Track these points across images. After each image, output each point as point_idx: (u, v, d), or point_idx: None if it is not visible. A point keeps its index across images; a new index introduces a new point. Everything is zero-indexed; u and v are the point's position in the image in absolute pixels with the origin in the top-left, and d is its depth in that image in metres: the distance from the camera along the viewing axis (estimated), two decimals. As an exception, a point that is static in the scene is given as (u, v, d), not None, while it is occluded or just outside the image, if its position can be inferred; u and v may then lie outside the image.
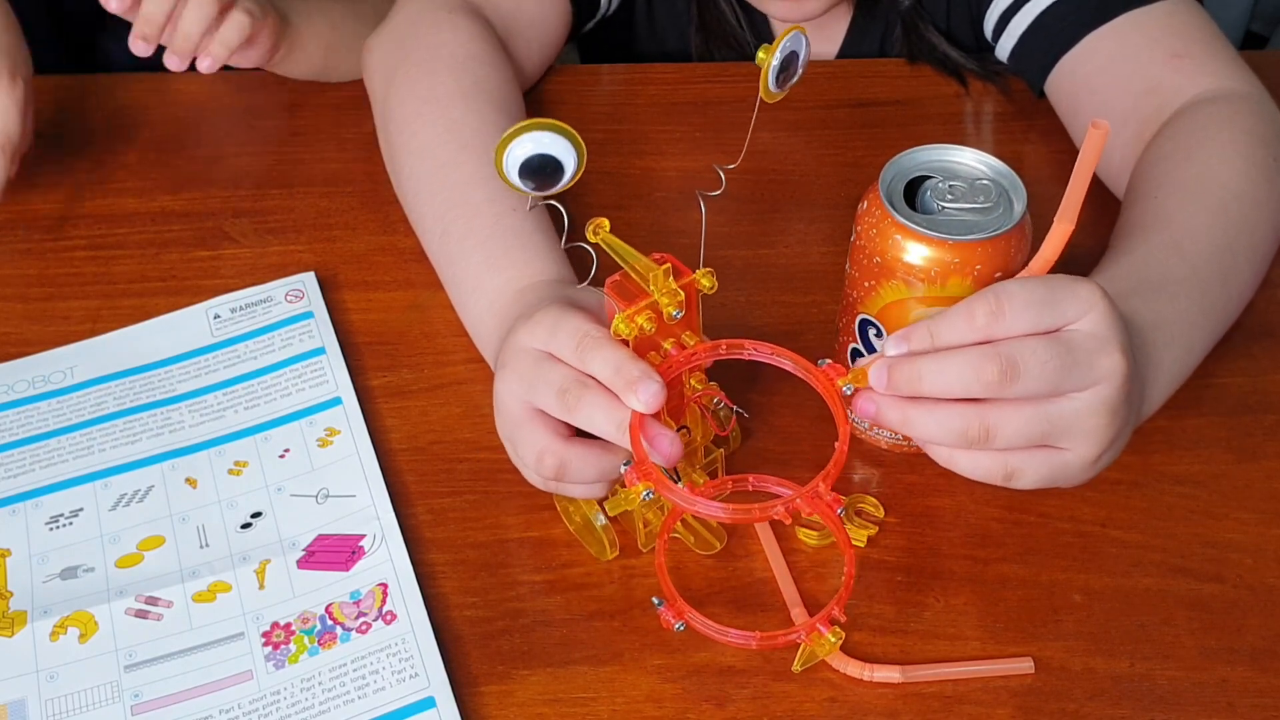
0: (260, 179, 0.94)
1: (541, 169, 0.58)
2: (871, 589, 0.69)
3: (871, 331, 0.70)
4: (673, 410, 0.67)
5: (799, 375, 0.64)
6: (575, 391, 0.64)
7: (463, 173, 0.81)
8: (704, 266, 0.63)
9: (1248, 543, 0.71)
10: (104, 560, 0.70)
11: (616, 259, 0.63)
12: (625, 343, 0.63)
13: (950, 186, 0.67)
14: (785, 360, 0.64)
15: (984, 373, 0.60)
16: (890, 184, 0.68)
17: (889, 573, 0.69)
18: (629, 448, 0.62)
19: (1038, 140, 0.95)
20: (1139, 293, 0.70)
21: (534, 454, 0.66)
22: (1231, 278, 0.75)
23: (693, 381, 0.67)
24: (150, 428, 0.77)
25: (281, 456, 0.75)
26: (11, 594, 0.69)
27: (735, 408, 0.69)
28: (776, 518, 0.61)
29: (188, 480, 0.74)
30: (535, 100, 0.99)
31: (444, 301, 0.83)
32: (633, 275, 0.63)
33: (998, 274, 0.65)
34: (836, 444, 0.61)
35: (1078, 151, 0.93)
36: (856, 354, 0.71)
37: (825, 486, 0.60)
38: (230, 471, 0.74)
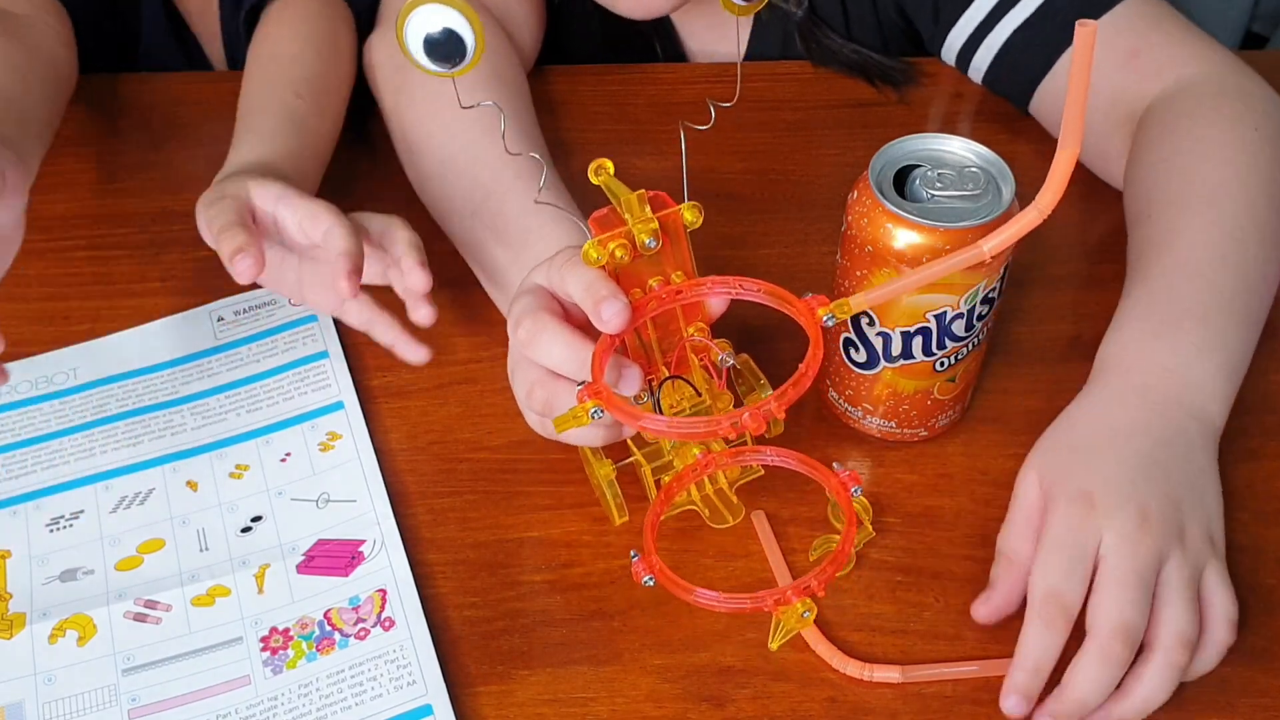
0: (260, 179, 0.94)
1: (443, 45, 0.56)
2: (871, 589, 0.69)
3: (864, 320, 0.70)
4: (670, 360, 0.67)
5: (784, 310, 0.64)
6: (527, 324, 0.65)
7: (491, 154, 0.81)
8: (690, 200, 0.63)
9: (1248, 543, 0.71)
10: (104, 563, 0.70)
11: (611, 199, 0.63)
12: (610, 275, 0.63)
13: (939, 175, 0.68)
14: (770, 298, 0.64)
15: (1113, 660, 0.62)
16: (880, 173, 0.68)
17: (889, 573, 0.69)
18: (585, 377, 0.63)
19: (1035, 140, 0.95)
20: (1159, 334, 0.71)
21: (526, 387, 0.67)
22: (1249, 264, 0.75)
23: (690, 330, 0.66)
24: (152, 430, 0.77)
25: (283, 460, 0.75)
26: (11, 596, 0.69)
27: (727, 357, 0.68)
28: (722, 433, 0.61)
29: (188, 483, 0.74)
30: (537, 100, 0.98)
31: (444, 301, 0.83)
32: (618, 209, 0.62)
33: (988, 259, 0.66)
34: (800, 365, 0.60)
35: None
36: (849, 343, 0.72)
37: (778, 405, 0.60)
38: (231, 475, 0.74)
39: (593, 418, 0.61)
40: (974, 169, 0.68)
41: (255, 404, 0.78)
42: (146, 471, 0.75)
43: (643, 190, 0.62)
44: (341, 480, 0.74)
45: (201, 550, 0.71)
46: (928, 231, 0.65)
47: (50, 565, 0.70)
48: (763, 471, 0.72)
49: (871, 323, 0.70)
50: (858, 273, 0.68)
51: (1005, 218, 0.66)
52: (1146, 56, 0.86)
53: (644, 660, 0.66)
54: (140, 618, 0.68)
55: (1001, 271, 0.68)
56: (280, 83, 0.90)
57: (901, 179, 0.69)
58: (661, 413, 0.66)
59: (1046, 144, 0.94)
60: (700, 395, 0.67)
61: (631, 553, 0.64)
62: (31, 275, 0.87)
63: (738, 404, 0.70)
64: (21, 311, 0.84)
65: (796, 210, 0.91)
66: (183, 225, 0.90)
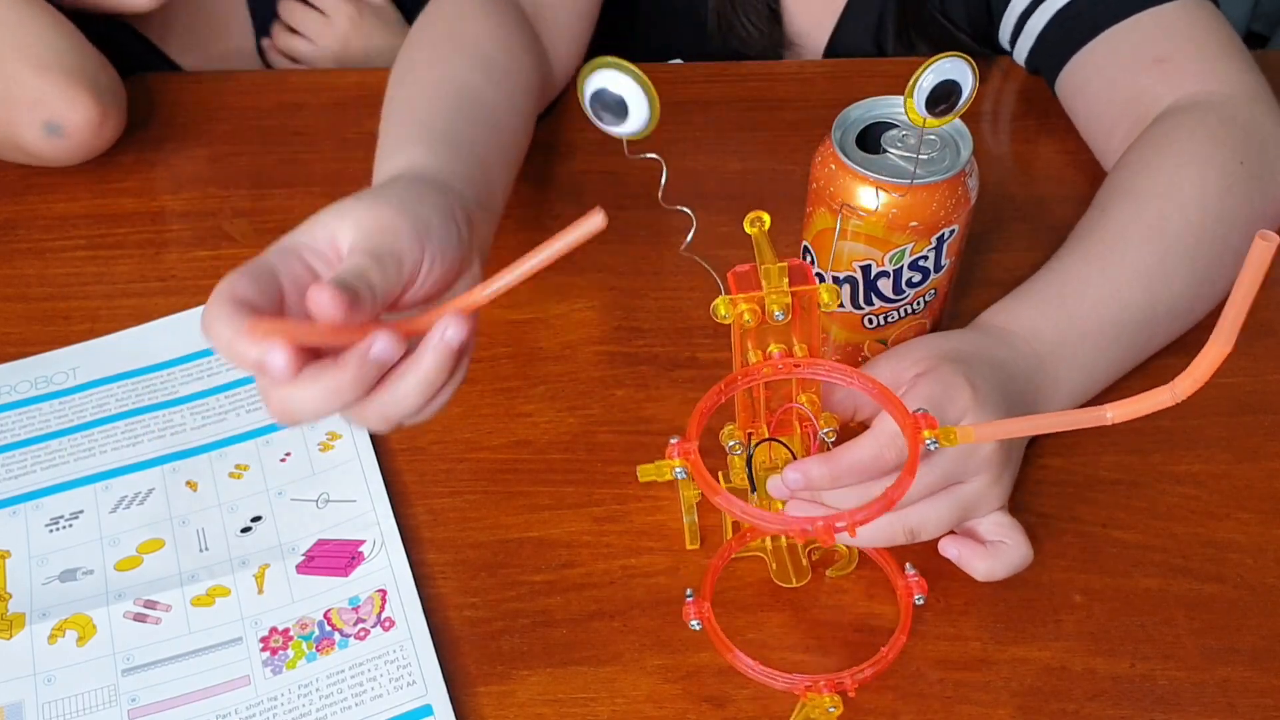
0: (260, 179, 0.94)
1: (611, 107, 0.57)
2: (872, 589, 0.69)
3: (808, 258, 0.73)
4: (773, 421, 0.67)
5: (889, 414, 0.62)
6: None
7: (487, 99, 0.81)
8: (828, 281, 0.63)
9: (1248, 543, 0.71)
10: (103, 563, 0.70)
11: (756, 255, 0.62)
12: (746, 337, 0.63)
13: (902, 136, 0.70)
14: (880, 398, 0.62)
15: (895, 537, 0.65)
16: (844, 131, 0.71)
17: (889, 573, 0.69)
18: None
19: (1051, 138, 0.95)
20: (1047, 314, 0.73)
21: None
22: (1160, 292, 0.75)
23: (802, 398, 0.66)
24: (152, 430, 0.77)
25: (282, 460, 0.75)
26: (10, 596, 0.69)
27: (829, 434, 0.67)
28: (792, 534, 0.60)
29: (188, 483, 0.74)
30: (535, 99, 0.98)
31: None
32: (759, 271, 0.62)
33: (913, 223, 0.68)
34: (889, 487, 0.59)
35: (1089, 151, 0.93)
36: None
37: (850, 526, 0.58)
38: (231, 475, 0.74)
39: (676, 477, 0.61)
40: (933, 136, 0.70)
41: (255, 404, 0.78)
42: (146, 471, 0.75)
43: (785, 263, 0.61)
44: (341, 480, 0.74)
45: (201, 550, 0.71)
46: (862, 180, 0.68)
47: (50, 565, 0.70)
48: (847, 555, 0.70)
49: (813, 262, 0.73)
50: (808, 209, 0.73)
51: (960, 177, 0.68)
52: (1172, 65, 0.85)
53: (644, 660, 0.66)
54: (140, 618, 0.68)
55: (934, 242, 0.68)
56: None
57: (865, 140, 0.71)
58: (752, 469, 0.66)
59: (1064, 142, 0.94)
60: (795, 460, 0.66)
61: (688, 591, 0.64)
62: (31, 275, 0.87)
63: None
64: (21, 311, 0.84)
65: (797, 210, 0.91)
66: (182, 225, 0.90)
